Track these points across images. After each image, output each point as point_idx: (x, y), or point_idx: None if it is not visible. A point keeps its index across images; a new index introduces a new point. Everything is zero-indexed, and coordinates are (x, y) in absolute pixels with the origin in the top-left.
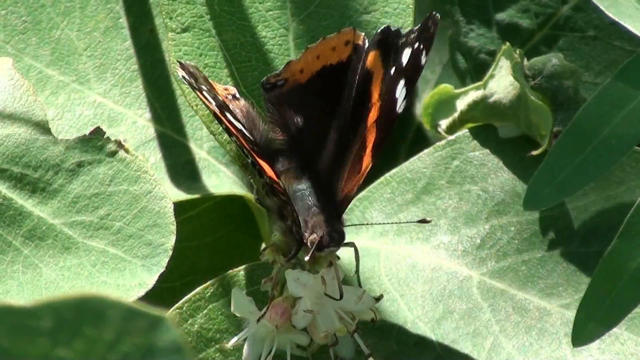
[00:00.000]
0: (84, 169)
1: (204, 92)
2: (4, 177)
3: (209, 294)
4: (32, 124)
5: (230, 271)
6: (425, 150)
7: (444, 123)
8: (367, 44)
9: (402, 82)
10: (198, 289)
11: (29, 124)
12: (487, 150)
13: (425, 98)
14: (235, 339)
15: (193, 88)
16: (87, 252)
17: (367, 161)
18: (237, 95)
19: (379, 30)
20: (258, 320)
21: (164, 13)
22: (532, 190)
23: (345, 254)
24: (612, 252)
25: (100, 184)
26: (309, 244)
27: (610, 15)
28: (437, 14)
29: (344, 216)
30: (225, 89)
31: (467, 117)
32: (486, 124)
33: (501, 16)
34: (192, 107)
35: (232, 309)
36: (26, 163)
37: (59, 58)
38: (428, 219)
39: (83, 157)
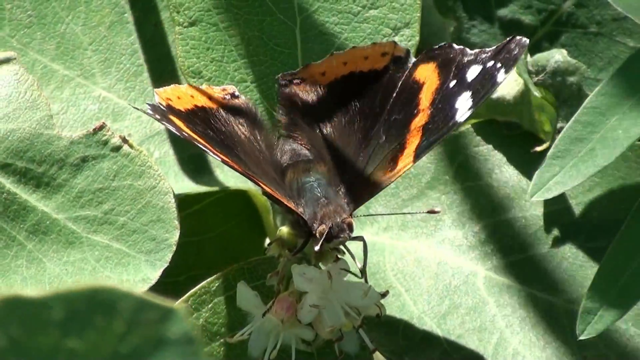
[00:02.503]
0: (88, 164)
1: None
2: (8, 172)
3: (214, 288)
4: (37, 118)
5: (235, 265)
6: None
7: None
8: (411, 57)
9: (465, 95)
10: (203, 283)
11: (33, 118)
12: (491, 146)
13: None
14: (240, 333)
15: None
16: (90, 247)
17: (406, 161)
18: (237, 93)
19: (438, 46)
20: (263, 315)
21: (171, 7)
22: (537, 180)
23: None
24: (617, 247)
25: (105, 178)
26: (317, 234)
27: (619, 9)
28: (525, 39)
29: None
30: (223, 90)
31: None
32: (490, 119)
33: (503, 12)
34: None
35: (237, 303)
36: (30, 158)
37: (64, 52)
38: (437, 209)
39: (87, 152)
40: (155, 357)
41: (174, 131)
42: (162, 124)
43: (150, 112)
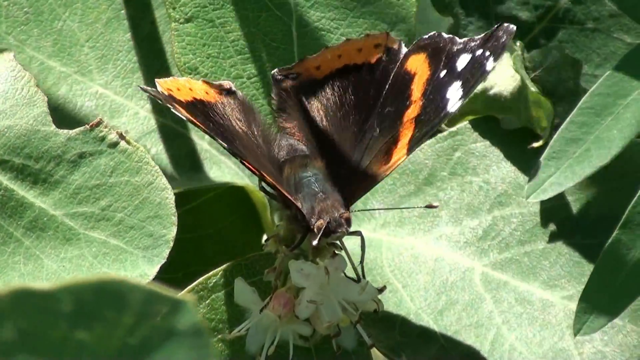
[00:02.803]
0: (85, 160)
1: (174, 105)
2: (6, 169)
3: (211, 284)
4: (34, 115)
5: (233, 261)
6: (427, 142)
7: None
8: (403, 48)
9: (456, 84)
10: (201, 279)
11: (30, 115)
12: (489, 142)
13: None
14: (238, 329)
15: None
16: (88, 243)
17: (400, 154)
18: (233, 88)
19: (427, 36)
20: (261, 311)
21: (167, 3)
22: (533, 181)
23: (346, 246)
24: (614, 243)
25: (102, 175)
26: (315, 229)
27: (615, 7)
28: (512, 26)
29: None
30: (220, 85)
31: (468, 110)
32: (487, 115)
33: (500, 9)
34: None
35: (235, 299)
36: (28, 154)
37: (60, 49)
38: (435, 203)
39: (84, 149)
40: (164, 349)
41: (180, 115)
42: (168, 106)
43: (158, 94)
